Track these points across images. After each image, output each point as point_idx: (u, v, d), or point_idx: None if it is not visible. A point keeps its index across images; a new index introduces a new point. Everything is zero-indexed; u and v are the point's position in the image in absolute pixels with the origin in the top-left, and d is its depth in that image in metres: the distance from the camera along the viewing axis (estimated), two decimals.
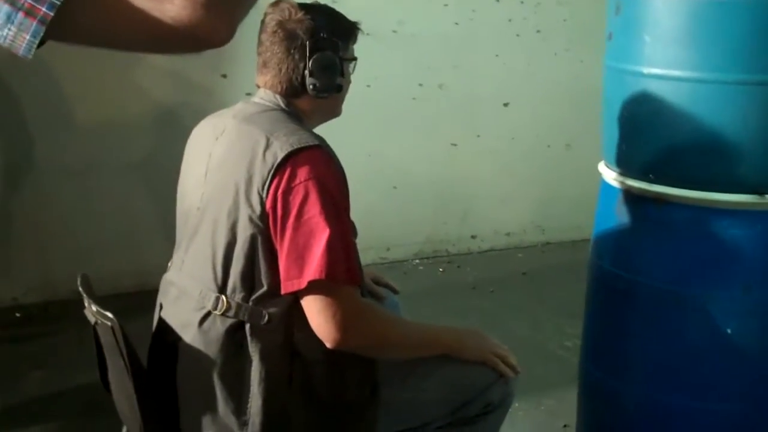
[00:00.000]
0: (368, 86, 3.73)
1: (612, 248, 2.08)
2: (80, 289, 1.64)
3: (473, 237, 4.35)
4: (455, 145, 4.18)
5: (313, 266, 1.49)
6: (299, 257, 1.51)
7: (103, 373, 1.73)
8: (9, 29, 1.00)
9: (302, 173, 1.52)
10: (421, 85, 4.00)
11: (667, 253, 1.96)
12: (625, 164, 2.00)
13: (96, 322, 1.59)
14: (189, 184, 1.74)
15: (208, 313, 1.56)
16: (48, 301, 3.47)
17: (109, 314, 1.51)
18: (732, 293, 1.92)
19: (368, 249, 4.06)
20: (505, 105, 4.22)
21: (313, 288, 1.51)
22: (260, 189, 1.52)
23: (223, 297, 1.55)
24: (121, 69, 3.49)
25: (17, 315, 3.44)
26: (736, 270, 1.91)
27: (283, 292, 1.53)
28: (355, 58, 1.77)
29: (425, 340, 1.73)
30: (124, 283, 3.56)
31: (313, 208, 1.51)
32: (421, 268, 4.16)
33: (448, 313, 3.46)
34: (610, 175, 2.05)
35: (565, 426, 2.61)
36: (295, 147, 1.54)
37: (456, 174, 4.24)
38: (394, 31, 3.90)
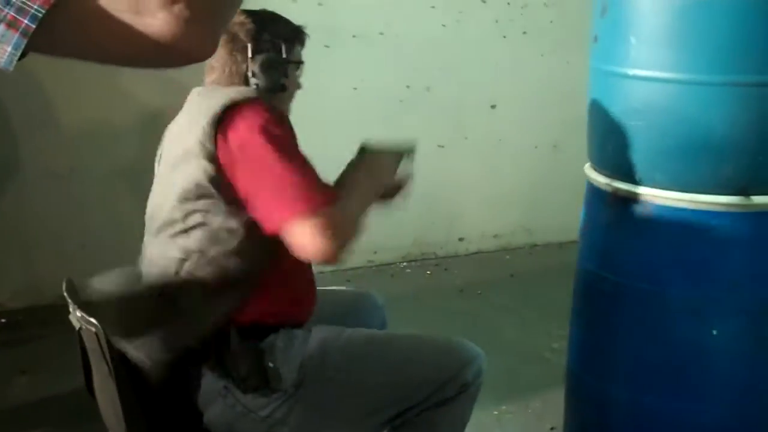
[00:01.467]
0: (355, 89, 3.73)
1: (599, 250, 2.08)
2: (65, 294, 1.63)
3: (461, 239, 4.35)
4: (442, 146, 4.18)
5: (291, 203, 1.53)
6: (275, 198, 1.54)
7: (88, 379, 1.72)
8: None
9: (244, 125, 1.57)
10: (408, 87, 4.00)
11: (653, 254, 1.97)
12: (611, 166, 2.00)
13: (80, 328, 1.58)
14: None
15: None
16: (33, 306, 3.45)
17: (93, 320, 1.50)
18: (718, 295, 1.93)
19: (355, 252, 4.05)
20: (492, 107, 4.22)
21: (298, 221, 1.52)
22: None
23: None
24: (108, 72, 3.46)
25: (2, 320, 3.41)
26: (723, 271, 1.92)
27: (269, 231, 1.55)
28: (301, 62, 1.82)
29: (367, 206, 1.71)
30: None
31: (269, 154, 1.55)
32: (408, 271, 4.15)
33: (436, 315, 3.46)
34: (596, 177, 2.06)
35: (552, 428, 2.61)
36: (235, 100, 1.60)
37: (443, 176, 4.23)
38: (381, 33, 3.89)
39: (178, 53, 1.09)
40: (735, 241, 1.91)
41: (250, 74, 1.71)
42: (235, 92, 1.63)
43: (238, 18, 1.72)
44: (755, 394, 2.06)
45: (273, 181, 1.55)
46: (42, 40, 1.02)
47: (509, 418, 2.70)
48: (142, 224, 3.83)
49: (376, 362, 1.76)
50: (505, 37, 4.16)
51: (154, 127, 3.58)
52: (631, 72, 1.90)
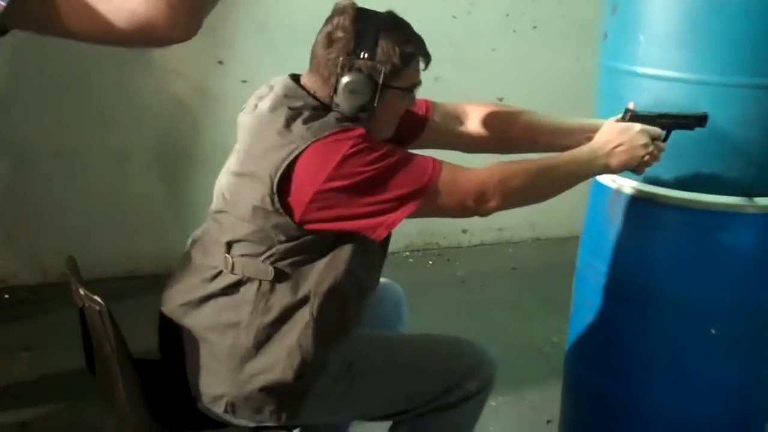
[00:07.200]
0: None
1: (601, 247, 2.09)
2: (67, 271, 1.64)
3: (464, 231, 4.36)
4: None
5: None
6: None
7: (89, 358, 1.74)
8: None
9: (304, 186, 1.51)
10: None
11: (655, 253, 1.98)
12: None
13: (83, 306, 1.59)
14: None
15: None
16: (38, 284, 3.47)
17: (97, 298, 1.51)
18: (720, 294, 1.94)
19: None
20: (500, 99, 4.21)
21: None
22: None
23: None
24: (117, 54, 3.47)
25: (6, 296, 3.43)
26: (725, 271, 1.93)
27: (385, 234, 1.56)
28: (408, 88, 1.66)
29: (572, 177, 1.73)
30: (114, 268, 3.56)
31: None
32: (411, 260, 4.16)
33: (437, 306, 3.47)
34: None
35: (548, 421, 2.62)
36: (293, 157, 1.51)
37: None
38: None
39: (155, 34, 1.06)
40: (737, 242, 1.92)
41: (332, 91, 1.57)
42: (297, 142, 1.51)
43: (343, 23, 1.57)
44: (752, 393, 2.08)
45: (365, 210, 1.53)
46: (14, 16, 1.03)
47: (506, 409, 2.71)
48: (147, 204, 3.87)
49: (379, 369, 1.74)
50: (515, 31, 4.16)
51: (163, 108, 3.61)
52: (640, 70, 1.90)
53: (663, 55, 1.87)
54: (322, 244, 1.58)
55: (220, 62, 3.61)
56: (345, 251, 1.58)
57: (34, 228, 3.54)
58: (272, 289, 1.58)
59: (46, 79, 3.40)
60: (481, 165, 1.64)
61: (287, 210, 1.52)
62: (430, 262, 4.15)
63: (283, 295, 1.58)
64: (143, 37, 1.07)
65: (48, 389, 2.74)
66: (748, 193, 1.87)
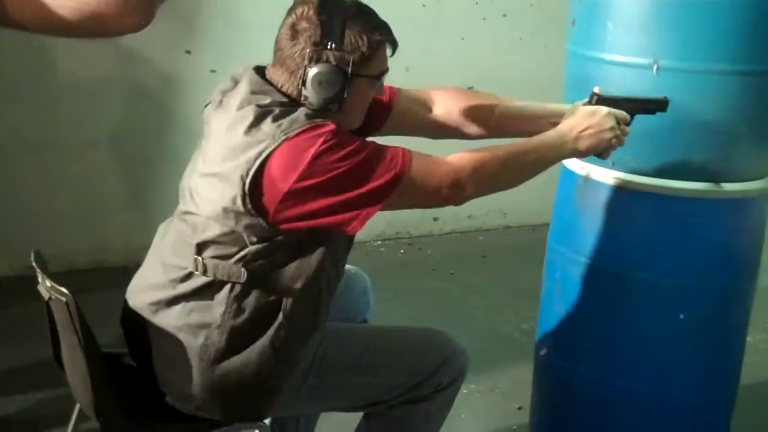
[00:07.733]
0: None
1: (570, 234, 2.10)
2: (34, 264, 1.62)
3: (435, 219, 4.37)
4: None
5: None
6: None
7: (57, 350, 1.72)
8: None
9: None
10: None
11: (623, 239, 1.99)
12: None
13: (50, 298, 1.57)
14: None
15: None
16: (3, 276, 3.42)
17: (64, 290, 1.49)
18: (687, 280, 1.96)
19: None
20: (470, 88, 4.21)
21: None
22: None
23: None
24: (83, 42, 3.43)
25: None
26: (693, 257, 1.95)
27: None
28: (376, 76, 1.62)
29: (542, 162, 1.72)
30: (81, 260, 3.52)
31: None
32: (382, 249, 4.16)
33: (408, 294, 3.47)
34: (570, 161, 2.07)
35: (519, 408, 2.64)
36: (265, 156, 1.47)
37: None
38: None
39: (103, 24, 1.04)
40: (705, 228, 1.94)
41: (300, 83, 1.53)
42: (267, 141, 1.47)
43: (308, 14, 1.52)
44: (720, 379, 2.10)
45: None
46: None
47: (477, 397, 2.72)
48: (115, 196, 3.82)
49: (350, 365, 1.73)
50: (484, 18, 4.16)
51: (130, 98, 3.57)
52: (607, 57, 1.91)
53: (630, 42, 1.88)
54: (294, 245, 1.55)
55: (188, 52, 3.57)
56: (317, 251, 1.56)
57: (0, 220, 3.49)
58: (244, 290, 1.55)
59: (11, 71, 3.35)
60: (448, 152, 1.63)
61: (259, 211, 1.48)
62: (402, 251, 4.15)
63: (255, 297, 1.55)
64: (92, 27, 1.05)
65: (15, 381, 2.70)
66: (715, 179, 1.89)
